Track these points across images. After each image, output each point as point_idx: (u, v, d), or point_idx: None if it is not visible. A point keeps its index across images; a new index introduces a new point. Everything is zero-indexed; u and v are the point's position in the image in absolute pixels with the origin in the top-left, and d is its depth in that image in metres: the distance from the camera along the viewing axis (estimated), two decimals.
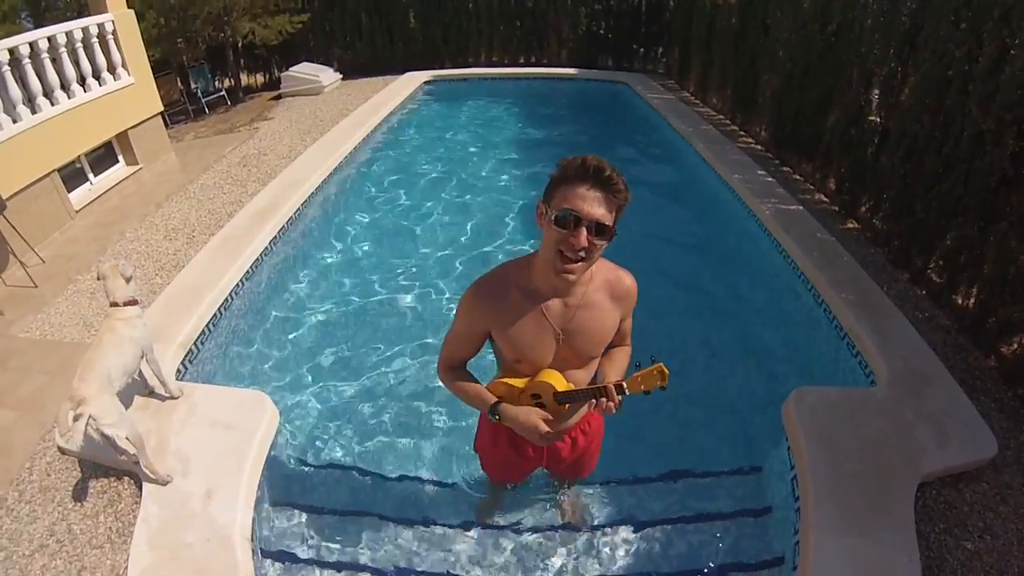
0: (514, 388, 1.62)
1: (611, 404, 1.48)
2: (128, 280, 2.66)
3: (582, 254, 1.36)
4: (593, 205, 1.33)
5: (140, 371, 2.72)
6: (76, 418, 2.17)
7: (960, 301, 3.57)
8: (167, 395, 2.80)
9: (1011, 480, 2.51)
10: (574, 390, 1.57)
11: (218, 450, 2.54)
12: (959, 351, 3.28)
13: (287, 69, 9.68)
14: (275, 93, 9.66)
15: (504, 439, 1.89)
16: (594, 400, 1.51)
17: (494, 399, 1.65)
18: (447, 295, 4.16)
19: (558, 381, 1.58)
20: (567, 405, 1.60)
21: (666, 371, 1.41)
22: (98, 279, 2.67)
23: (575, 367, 1.63)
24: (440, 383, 1.77)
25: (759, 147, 6.52)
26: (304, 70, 9.54)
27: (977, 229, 3.41)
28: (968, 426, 2.64)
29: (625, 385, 1.46)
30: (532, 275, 1.52)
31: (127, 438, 2.29)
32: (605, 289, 1.55)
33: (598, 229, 1.34)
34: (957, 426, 2.63)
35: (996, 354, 3.21)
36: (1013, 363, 3.08)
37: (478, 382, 1.73)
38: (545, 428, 1.56)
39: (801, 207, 4.73)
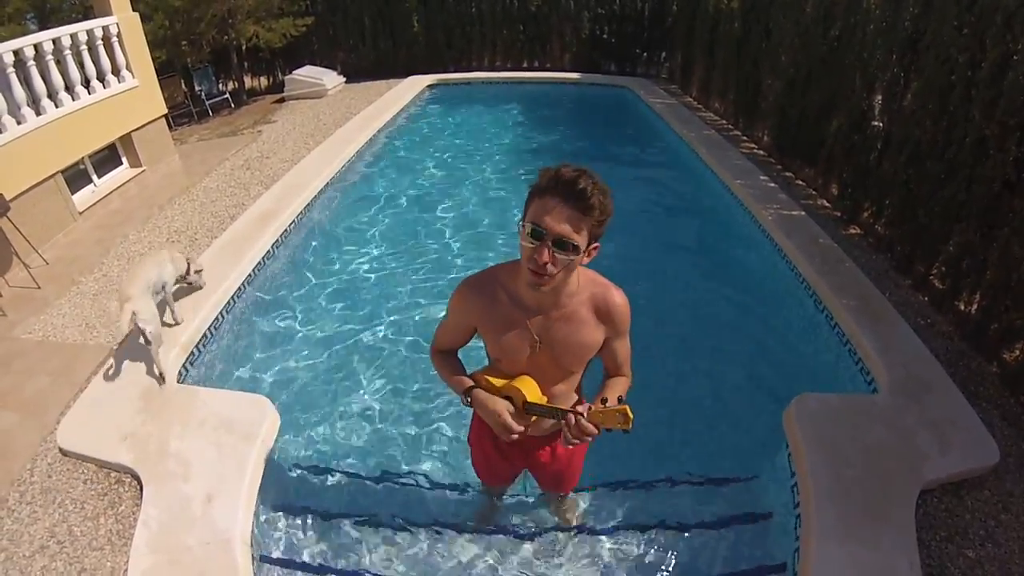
0: (491, 384, 1.64)
1: (568, 433, 1.45)
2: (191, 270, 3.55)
3: (549, 268, 1.34)
4: (558, 220, 1.31)
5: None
6: (124, 311, 2.84)
7: (962, 307, 3.56)
8: (173, 322, 3.38)
9: (1013, 488, 2.50)
10: (541, 404, 1.58)
11: (219, 453, 2.55)
12: (961, 357, 3.27)
13: (291, 72, 9.70)
14: (278, 96, 9.69)
15: (487, 438, 1.91)
16: (562, 422, 1.49)
17: (469, 384, 1.67)
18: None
19: (531, 391, 1.59)
20: (534, 417, 1.61)
21: (630, 415, 1.35)
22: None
23: (554, 379, 1.64)
24: (433, 369, 1.82)
25: (761, 152, 6.52)
26: (307, 73, 9.57)
27: (979, 235, 3.40)
28: (970, 433, 2.63)
29: (586, 414, 1.42)
30: (518, 281, 1.54)
31: (151, 331, 2.89)
32: (590, 304, 1.55)
33: (561, 245, 1.32)
34: (959, 433, 2.62)
35: (998, 361, 3.20)
36: (1015, 370, 3.07)
37: (464, 369, 1.77)
38: (509, 420, 1.54)
39: (803, 212, 4.72)
